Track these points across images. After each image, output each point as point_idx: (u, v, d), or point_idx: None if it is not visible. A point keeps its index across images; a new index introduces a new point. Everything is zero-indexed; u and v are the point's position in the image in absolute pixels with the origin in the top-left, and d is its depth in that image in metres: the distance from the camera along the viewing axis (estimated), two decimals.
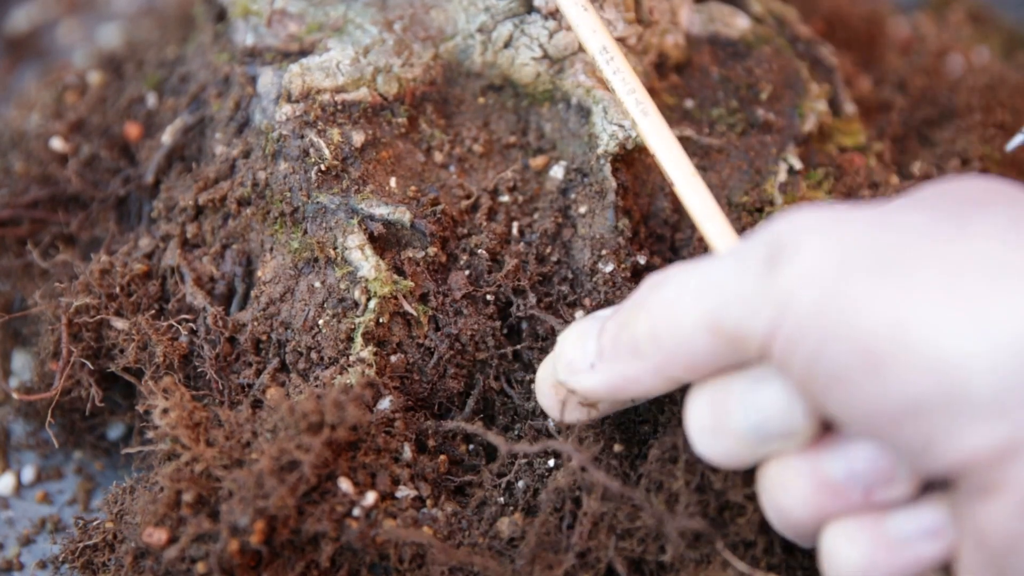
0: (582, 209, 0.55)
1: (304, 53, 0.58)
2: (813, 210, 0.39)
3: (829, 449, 0.40)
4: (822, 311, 0.36)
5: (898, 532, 0.39)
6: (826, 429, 0.41)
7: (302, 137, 0.55)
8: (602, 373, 0.43)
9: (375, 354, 0.52)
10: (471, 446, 0.53)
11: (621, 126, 0.55)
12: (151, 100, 0.65)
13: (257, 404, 0.53)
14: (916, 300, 0.35)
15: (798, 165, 0.58)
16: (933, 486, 0.40)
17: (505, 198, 0.56)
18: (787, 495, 0.41)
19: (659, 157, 0.49)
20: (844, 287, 0.36)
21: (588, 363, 0.44)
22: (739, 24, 0.62)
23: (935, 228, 0.37)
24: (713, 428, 0.41)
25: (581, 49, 0.57)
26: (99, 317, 0.55)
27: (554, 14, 0.56)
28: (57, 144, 0.64)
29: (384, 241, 0.54)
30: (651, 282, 0.42)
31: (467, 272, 0.54)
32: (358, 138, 0.55)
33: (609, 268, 0.54)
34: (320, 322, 0.53)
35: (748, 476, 0.47)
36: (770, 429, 0.40)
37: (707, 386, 0.42)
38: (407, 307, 0.53)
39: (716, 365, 0.40)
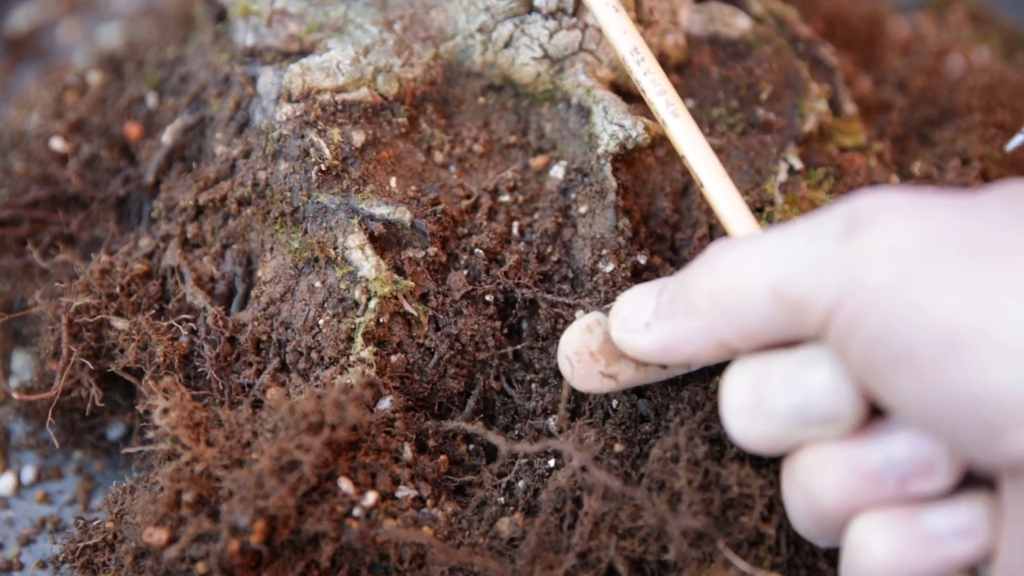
0: (582, 209, 0.55)
1: (304, 53, 0.58)
2: (895, 190, 0.38)
3: (867, 436, 0.39)
4: (897, 288, 0.36)
5: (932, 528, 0.38)
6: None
7: (302, 137, 0.55)
8: (655, 332, 0.42)
9: (375, 354, 0.52)
10: (471, 446, 0.53)
11: (621, 126, 0.55)
12: (151, 100, 0.65)
13: (257, 404, 0.53)
14: (1003, 290, 0.35)
15: (798, 165, 0.58)
16: (968, 484, 0.39)
17: (505, 198, 0.56)
18: (819, 480, 0.40)
19: (689, 158, 0.49)
20: (925, 267, 0.35)
21: (643, 322, 0.43)
22: (739, 24, 0.62)
23: (1019, 224, 0.36)
24: (751, 407, 0.40)
25: (581, 49, 0.57)
26: (99, 317, 0.55)
27: (554, 14, 0.56)
28: (57, 144, 0.64)
29: (384, 241, 0.54)
30: (718, 245, 0.42)
31: (467, 272, 0.54)
32: (358, 138, 0.55)
33: (609, 268, 0.54)
34: (320, 322, 0.53)
35: (759, 468, 0.47)
36: (813, 413, 0.39)
37: (749, 362, 0.41)
38: (407, 307, 0.53)
39: (771, 334, 0.40)
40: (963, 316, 0.35)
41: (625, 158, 0.56)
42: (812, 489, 0.40)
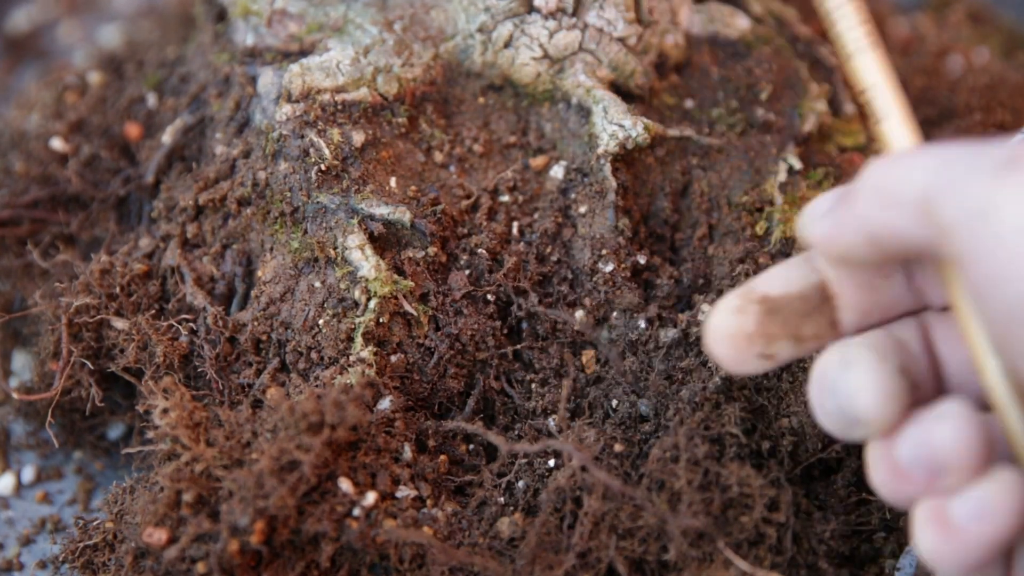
0: (582, 209, 0.55)
1: (304, 53, 0.58)
2: None
3: (898, 432, 0.40)
4: None
5: (955, 516, 0.39)
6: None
7: (302, 137, 0.55)
8: (825, 220, 0.43)
9: (375, 354, 0.52)
10: (471, 446, 0.53)
11: (621, 126, 0.55)
12: (151, 100, 0.65)
13: (257, 404, 0.53)
14: None
15: (798, 165, 0.58)
16: (994, 466, 0.40)
17: (505, 198, 0.56)
18: (872, 475, 0.41)
19: (869, 94, 0.48)
20: None
21: (822, 211, 0.44)
22: (739, 24, 0.62)
23: None
24: (819, 405, 0.42)
25: (581, 49, 0.57)
26: (99, 317, 0.55)
27: (554, 14, 0.56)
28: (57, 144, 0.64)
29: (384, 241, 0.54)
30: (899, 151, 0.43)
31: (467, 272, 0.54)
32: (358, 138, 0.55)
33: (609, 268, 0.54)
34: (320, 322, 0.53)
35: (759, 468, 0.47)
36: (849, 415, 0.40)
37: (822, 358, 0.42)
38: (407, 307, 0.53)
39: (911, 240, 0.40)
40: None
41: (625, 158, 0.56)
42: (873, 483, 0.42)
